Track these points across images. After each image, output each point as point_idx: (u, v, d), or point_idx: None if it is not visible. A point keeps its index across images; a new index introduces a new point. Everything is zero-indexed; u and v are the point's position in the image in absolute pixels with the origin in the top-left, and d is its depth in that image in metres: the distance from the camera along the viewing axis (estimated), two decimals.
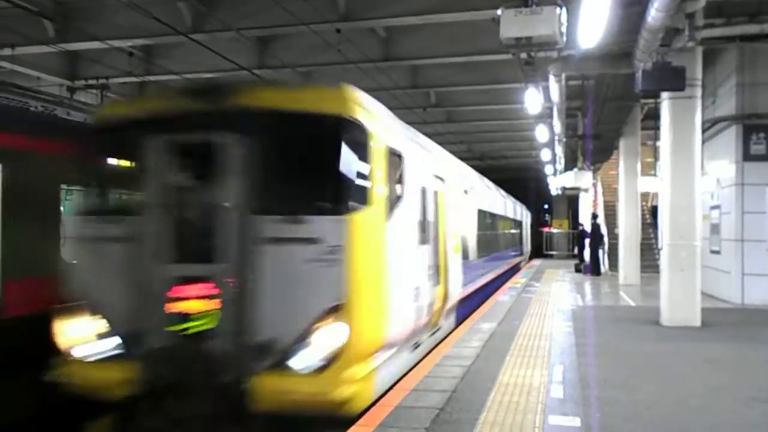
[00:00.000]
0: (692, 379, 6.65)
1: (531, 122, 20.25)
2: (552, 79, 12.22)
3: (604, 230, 23.12)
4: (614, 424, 5.08)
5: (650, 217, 23.01)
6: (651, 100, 14.51)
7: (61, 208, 6.70)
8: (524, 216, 29.56)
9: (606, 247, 22.26)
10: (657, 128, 12.69)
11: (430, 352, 7.75)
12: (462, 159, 14.90)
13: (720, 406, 5.70)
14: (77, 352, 5.29)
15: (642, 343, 8.66)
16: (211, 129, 5.01)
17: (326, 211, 4.96)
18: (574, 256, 27.22)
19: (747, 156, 12.73)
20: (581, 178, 21.83)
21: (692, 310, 9.99)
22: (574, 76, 13.38)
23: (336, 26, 11.39)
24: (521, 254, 26.69)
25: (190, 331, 4.92)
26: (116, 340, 5.16)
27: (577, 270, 21.85)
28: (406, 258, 6.09)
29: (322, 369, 4.81)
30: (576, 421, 5.10)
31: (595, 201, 25.91)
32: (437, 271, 7.72)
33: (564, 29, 6.73)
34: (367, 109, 5.45)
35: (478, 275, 12.17)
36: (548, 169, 32.24)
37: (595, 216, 22.61)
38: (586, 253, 21.59)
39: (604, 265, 22.03)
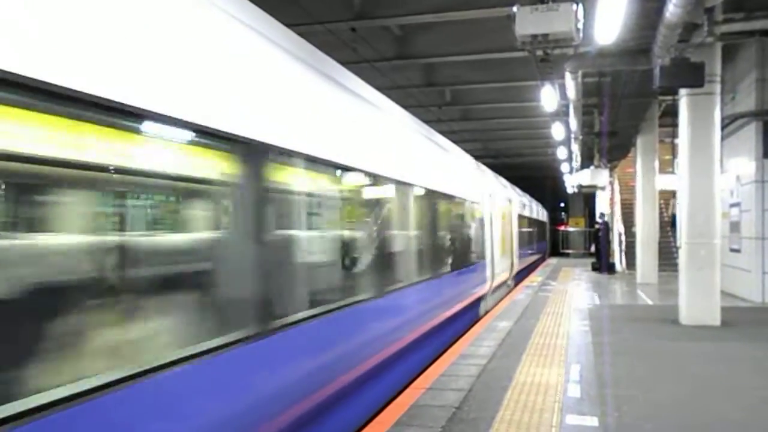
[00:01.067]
0: (712, 379, 6.57)
1: (547, 120, 20.10)
2: (568, 76, 12.13)
3: (620, 228, 23.06)
4: (632, 423, 5.03)
5: (669, 219, 22.81)
6: (669, 97, 14.35)
7: None
8: (486, 198, 12.68)
9: (624, 245, 22.18)
10: (675, 125, 12.54)
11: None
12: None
13: (740, 405, 5.62)
14: None
15: (660, 342, 8.58)
16: None
17: None
18: (591, 255, 27.12)
19: (767, 153, 12.56)
20: (598, 176, 21.65)
21: (712, 309, 9.87)
22: (591, 73, 13.25)
23: (351, 24, 11.39)
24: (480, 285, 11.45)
25: None
26: None
27: (594, 269, 21.73)
28: None
29: None
30: (594, 421, 5.06)
31: (612, 199, 25.71)
32: None
33: (581, 25, 6.68)
34: None
35: None
36: (564, 167, 32.02)
37: (602, 215, 22.90)
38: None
39: (622, 264, 21.90)
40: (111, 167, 2.76)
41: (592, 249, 23.14)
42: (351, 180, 5.41)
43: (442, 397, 5.66)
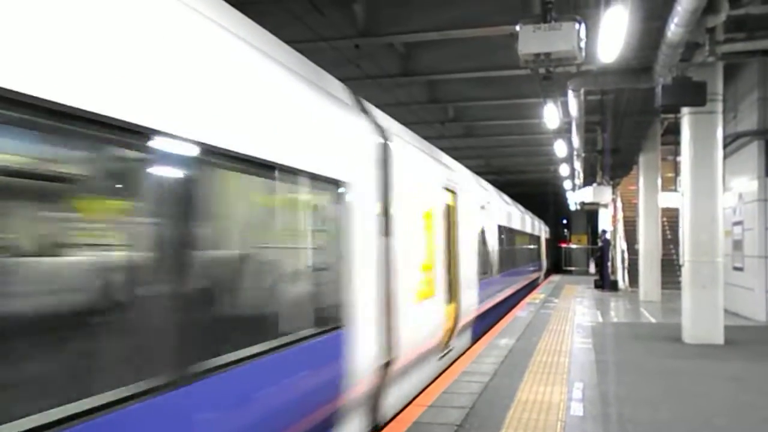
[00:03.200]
0: (716, 398, 6.53)
1: (550, 137, 20.15)
2: (571, 94, 12.19)
3: (623, 246, 23.06)
4: None
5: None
6: (671, 115, 14.39)
7: None
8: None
9: (626, 263, 22.16)
10: (677, 143, 12.58)
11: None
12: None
13: (745, 425, 5.58)
14: None
15: (664, 361, 8.53)
16: None
17: None
18: (590, 274, 27.07)
19: None
20: (600, 194, 21.65)
21: (715, 328, 9.83)
22: (593, 91, 13.32)
23: (355, 41, 11.48)
24: None
25: None
26: None
27: (597, 286, 21.68)
28: None
29: None
30: None
31: (614, 216, 25.70)
32: None
33: (583, 44, 6.72)
34: None
35: None
36: (567, 184, 32.03)
37: (604, 232, 23.03)
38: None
39: (624, 282, 21.85)
40: None
41: (591, 269, 22.67)
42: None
43: (444, 415, 5.63)
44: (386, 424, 5.47)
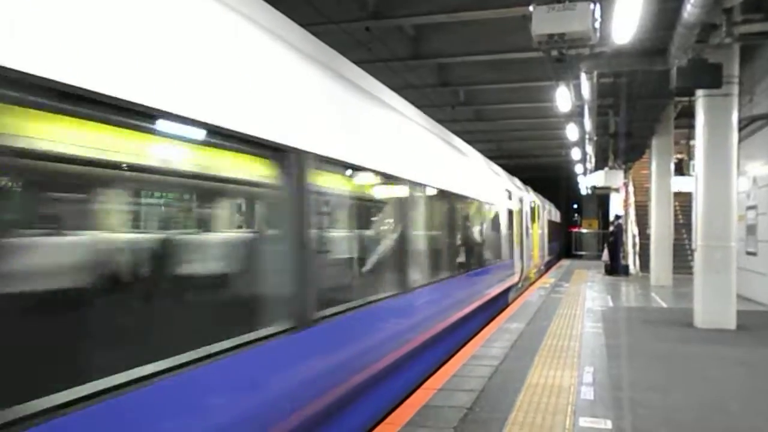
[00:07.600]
0: (728, 383, 6.50)
1: (561, 121, 19.98)
2: (583, 76, 12.05)
3: (635, 230, 22.91)
4: (647, 427, 4.99)
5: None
6: (685, 98, 14.21)
7: None
8: None
9: (638, 248, 22.04)
10: (691, 126, 12.45)
11: None
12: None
13: (757, 410, 5.56)
14: None
15: (675, 345, 8.50)
16: None
17: None
18: (599, 258, 26.88)
19: None
20: (612, 178, 21.50)
21: (727, 313, 9.77)
22: (606, 74, 13.16)
23: (365, 24, 11.39)
24: None
25: None
26: None
27: (608, 271, 21.56)
28: None
29: None
30: (607, 424, 5.02)
31: (626, 200, 25.54)
32: None
33: (597, 25, 6.63)
34: None
35: None
36: (578, 169, 31.82)
37: (617, 217, 22.81)
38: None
39: (635, 266, 21.75)
40: None
41: (605, 256, 22.12)
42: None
43: (454, 398, 5.65)
44: (397, 406, 5.50)
